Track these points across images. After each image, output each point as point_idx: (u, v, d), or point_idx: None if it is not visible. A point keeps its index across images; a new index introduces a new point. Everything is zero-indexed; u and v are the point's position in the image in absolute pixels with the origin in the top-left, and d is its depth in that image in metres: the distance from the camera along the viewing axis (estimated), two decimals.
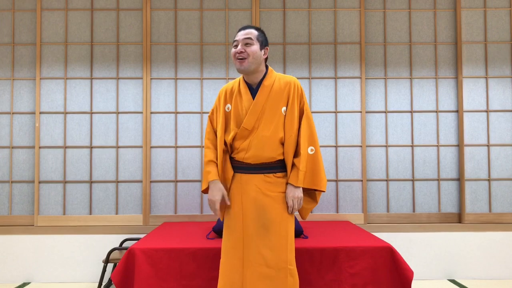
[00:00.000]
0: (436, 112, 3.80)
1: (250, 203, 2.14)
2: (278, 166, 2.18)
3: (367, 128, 3.78)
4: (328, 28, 3.82)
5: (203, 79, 3.77)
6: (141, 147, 3.71)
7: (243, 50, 2.14)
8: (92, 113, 3.73)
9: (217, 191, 2.15)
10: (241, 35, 2.17)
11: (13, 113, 3.72)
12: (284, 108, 2.17)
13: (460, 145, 3.75)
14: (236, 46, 2.18)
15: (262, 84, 2.19)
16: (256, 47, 2.16)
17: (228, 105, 2.24)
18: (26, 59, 3.76)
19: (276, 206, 2.13)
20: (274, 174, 2.17)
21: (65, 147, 3.70)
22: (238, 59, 2.16)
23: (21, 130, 3.72)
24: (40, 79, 3.72)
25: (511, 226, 3.65)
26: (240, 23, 3.79)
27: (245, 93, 2.21)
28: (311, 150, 2.17)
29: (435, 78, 3.82)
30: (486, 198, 3.73)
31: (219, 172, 2.20)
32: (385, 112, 3.80)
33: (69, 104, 3.73)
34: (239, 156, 2.19)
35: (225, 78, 3.77)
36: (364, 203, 3.70)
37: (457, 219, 3.75)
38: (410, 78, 3.82)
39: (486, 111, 3.78)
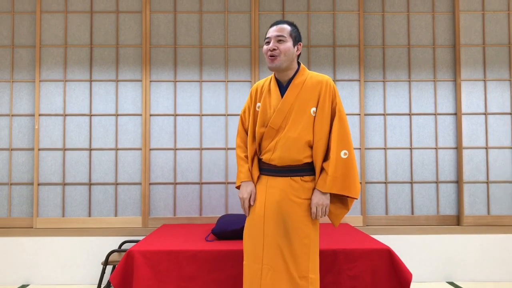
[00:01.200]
0: (435, 114, 3.81)
1: (274, 207, 2.06)
2: (306, 169, 2.09)
3: (365, 130, 3.79)
4: (327, 31, 3.83)
5: (202, 81, 3.78)
6: (140, 149, 3.72)
7: (275, 48, 2.05)
8: (91, 115, 3.74)
9: (245, 191, 2.11)
10: (273, 31, 2.08)
11: (12, 115, 3.73)
12: (313, 109, 2.07)
13: (458, 148, 3.76)
14: (268, 42, 2.08)
15: (292, 82, 2.10)
16: (289, 44, 2.06)
17: (258, 103, 2.16)
18: (25, 61, 3.76)
19: (300, 213, 2.05)
20: (301, 177, 2.08)
21: (64, 149, 3.70)
22: (270, 56, 2.07)
23: (20, 132, 3.72)
24: (40, 81, 3.72)
25: (509, 228, 3.66)
26: (239, 26, 3.80)
27: (275, 90, 2.12)
28: (345, 154, 2.04)
29: (434, 81, 3.83)
30: (484, 201, 3.74)
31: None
32: (383, 114, 3.81)
33: (69, 106, 3.74)
34: (266, 157, 2.12)
35: (224, 81, 3.78)
36: (363, 206, 3.70)
37: (456, 221, 3.75)
38: (409, 80, 3.83)
39: (485, 114, 3.79)
